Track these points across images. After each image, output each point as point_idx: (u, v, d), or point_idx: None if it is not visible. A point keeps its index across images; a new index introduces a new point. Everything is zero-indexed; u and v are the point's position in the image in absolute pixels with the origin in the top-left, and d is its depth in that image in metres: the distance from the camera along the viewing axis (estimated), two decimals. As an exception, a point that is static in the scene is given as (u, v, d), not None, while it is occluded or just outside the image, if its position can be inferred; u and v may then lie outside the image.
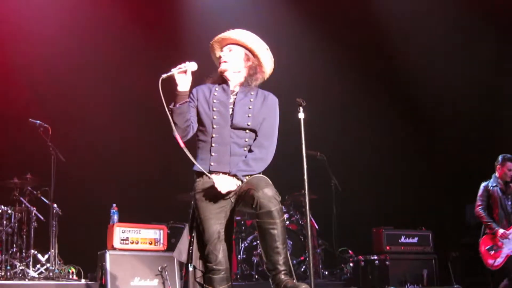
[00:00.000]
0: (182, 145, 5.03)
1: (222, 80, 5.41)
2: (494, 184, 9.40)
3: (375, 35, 11.79)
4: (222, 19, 10.93)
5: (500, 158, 9.45)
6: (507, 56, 11.03)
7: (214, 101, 5.26)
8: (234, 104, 5.29)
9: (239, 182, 5.10)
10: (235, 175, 5.11)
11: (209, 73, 5.47)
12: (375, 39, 11.85)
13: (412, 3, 11.35)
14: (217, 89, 5.36)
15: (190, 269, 5.28)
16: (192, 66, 5.13)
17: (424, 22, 11.48)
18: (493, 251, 9.15)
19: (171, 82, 5.06)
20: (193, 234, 5.32)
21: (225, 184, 5.05)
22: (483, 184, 9.50)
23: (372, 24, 11.67)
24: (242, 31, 5.41)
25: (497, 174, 9.43)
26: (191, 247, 5.30)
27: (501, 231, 9.07)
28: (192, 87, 5.22)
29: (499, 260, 9.10)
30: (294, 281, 4.88)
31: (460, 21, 11.16)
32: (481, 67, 11.23)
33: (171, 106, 5.11)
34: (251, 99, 5.31)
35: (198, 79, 5.30)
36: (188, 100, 5.17)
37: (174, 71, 5.11)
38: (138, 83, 11.32)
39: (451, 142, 11.84)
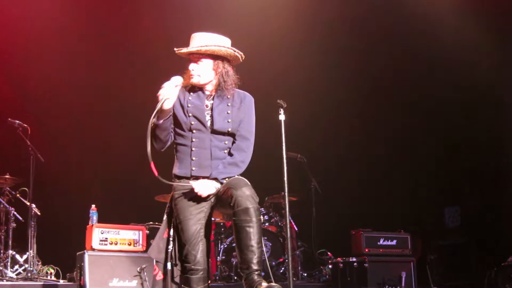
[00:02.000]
0: (156, 173, 5.05)
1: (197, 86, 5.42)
2: None
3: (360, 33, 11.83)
4: (206, 17, 10.94)
5: None
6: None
7: (189, 105, 5.27)
8: (212, 110, 5.32)
9: (219, 185, 5.14)
10: (215, 178, 5.14)
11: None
12: (359, 37, 11.88)
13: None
14: (192, 93, 5.37)
15: (169, 268, 5.29)
16: (177, 81, 5.17)
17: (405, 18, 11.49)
18: None
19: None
20: (170, 233, 5.33)
21: (205, 188, 5.10)
22: None
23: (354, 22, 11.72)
24: (202, 39, 5.34)
25: None
26: (169, 246, 5.32)
27: None
28: None
29: None
30: (271, 283, 4.88)
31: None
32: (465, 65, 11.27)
33: (155, 121, 5.15)
34: (229, 104, 5.34)
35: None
36: (170, 114, 5.21)
37: (167, 94, 5.09)
38: (120, 84, 11.30)
39: (432, 144, 11.87)
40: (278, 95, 5.53)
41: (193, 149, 5.24)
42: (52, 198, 10.47)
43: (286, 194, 5.35)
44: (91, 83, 11.42)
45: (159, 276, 5.38)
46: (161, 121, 5.13)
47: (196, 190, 5.10)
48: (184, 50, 5.34)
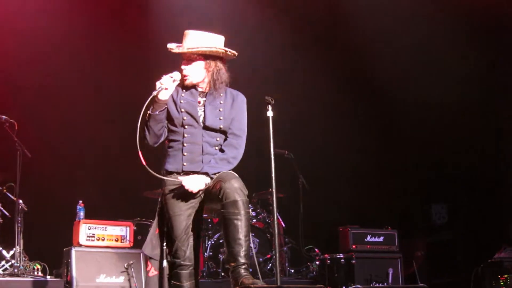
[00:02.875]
0: (144, 163, 5.07)
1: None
2: None
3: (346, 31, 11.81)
4: (193, 15, 10.90)
5: None
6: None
7: (182, 101, 5.32)
8: (204, 106, 5.38)
9: (209, 180, 5.16)
10: (206, 173, 5.16)
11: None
12: (347, 36, 11.86)
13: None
14: (185, 90, 5.42)
15: (165, 265, 5.31)
16: (176, 76, 5.28)
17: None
18: None
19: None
20: (164, 229, 5.36)
21: (194, 183, 5.12)
22: None
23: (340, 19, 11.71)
24: (194, 39, 5.39)
25: None
26: (163, 244, 5.35)
27: None
28: None
29: None
30: (255, 280, 4.89)
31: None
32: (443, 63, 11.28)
33: (150, 112, 5.23)
34: (221, 101, 5.40)
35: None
36: (166, 107, 5.27)
37: (165, 85, 5.19)
38: (110, 79, 11.26)
39: (419, 142, 11.88)
40: (269, 92, 5.54)
41: (185, 144, 5.27)
42: (39, 193, 10.41)
43: (274, 190, 5.36)
44: (80, 78, 11.34)
45: (152, 272, 5.43)
46: (156, 112, 5.18)
47: (186, 187, 5.12)
48: (176, 50, 5.38)
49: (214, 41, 5.40)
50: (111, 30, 11.30)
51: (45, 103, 11.12)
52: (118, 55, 11.36)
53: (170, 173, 5.33)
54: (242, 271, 4.88)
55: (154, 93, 5.14)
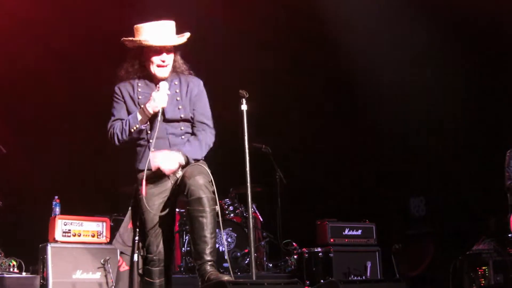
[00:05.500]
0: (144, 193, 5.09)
1: (144, 75, 5.41)
2: None
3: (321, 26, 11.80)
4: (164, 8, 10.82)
5: None
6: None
7: (139, 97, 5.30)
8: None
9: (182, 159, 5.08)
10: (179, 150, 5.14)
11: None
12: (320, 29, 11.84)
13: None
14: (139, 84, 5.36)
15: (135, 259, 5.27)
16: (166, 87, 5.28)
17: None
18: None
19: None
20: (137, 224, 5.33)
21: (168, 161, 5.08)
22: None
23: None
24: (168, 30, 5.36)
25: None
26: (135, 238, 5.31)
27: None
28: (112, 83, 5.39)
29: None
30: (221, 274, 4.87)
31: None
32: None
33: (138, 126, 5.18)
34: (177, 90, 5.37)
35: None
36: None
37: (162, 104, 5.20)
38: (83, 73, 11.20)
39: (397, 135, 11.89)
40: (244, 86, 5.51)
41: (151, 140, 5.20)
42: (14, 189, 10.35)
43: (249, 184, 5.36)
44: (56, 73, 11.28)
45: (123, 268, 5.37)
46: (143, 126, 5.17)
47: (162, 168, 5.05)
48: (162, 44, 5.30)
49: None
50: (91, 24, 11.22)
51: (20, 98, 11.05)
52: (97, 49, 11.27)
53: (141, 171, 5.26)
54: (208, 267, 4.87)
55: (150, 111, 5.17)
